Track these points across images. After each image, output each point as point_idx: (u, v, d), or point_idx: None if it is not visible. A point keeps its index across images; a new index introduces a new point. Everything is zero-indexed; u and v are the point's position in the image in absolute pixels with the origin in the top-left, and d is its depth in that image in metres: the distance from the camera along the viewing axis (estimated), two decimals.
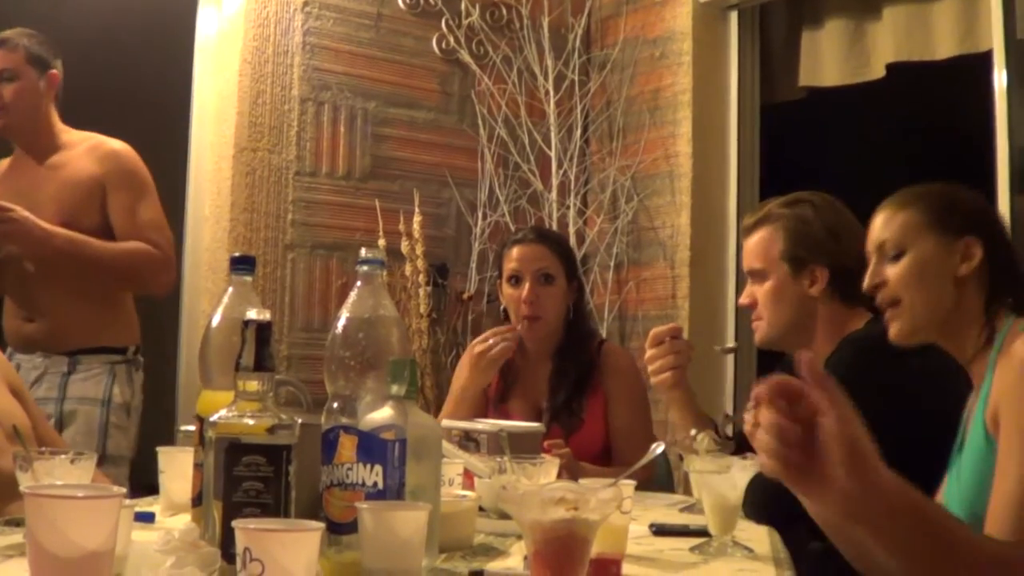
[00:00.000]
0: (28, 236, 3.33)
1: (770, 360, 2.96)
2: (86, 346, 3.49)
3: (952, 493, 1.96)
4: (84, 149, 3.63)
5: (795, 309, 2.68)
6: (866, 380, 2.03)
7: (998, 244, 2.04)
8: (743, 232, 2.82)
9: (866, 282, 2.16)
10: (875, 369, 2.34)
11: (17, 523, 1.94)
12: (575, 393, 3.24)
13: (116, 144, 3.66)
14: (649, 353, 2.87)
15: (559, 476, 2.26)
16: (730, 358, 4.58)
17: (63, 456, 1.85)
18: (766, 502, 2.16)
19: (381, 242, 4.43)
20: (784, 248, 2.69)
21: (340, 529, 1.61)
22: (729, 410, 4.28)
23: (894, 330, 2.10)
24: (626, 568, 1.77)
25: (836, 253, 2.64)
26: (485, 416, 3.29)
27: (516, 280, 3.29)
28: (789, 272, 2.68)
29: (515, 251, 3.31)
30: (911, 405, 2.29)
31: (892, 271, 2.11)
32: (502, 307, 3.42)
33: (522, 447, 2.43)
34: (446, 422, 2.85)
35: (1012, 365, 1.81)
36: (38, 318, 3.47)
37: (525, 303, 3.25)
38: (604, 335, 4.70)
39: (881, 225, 2.15)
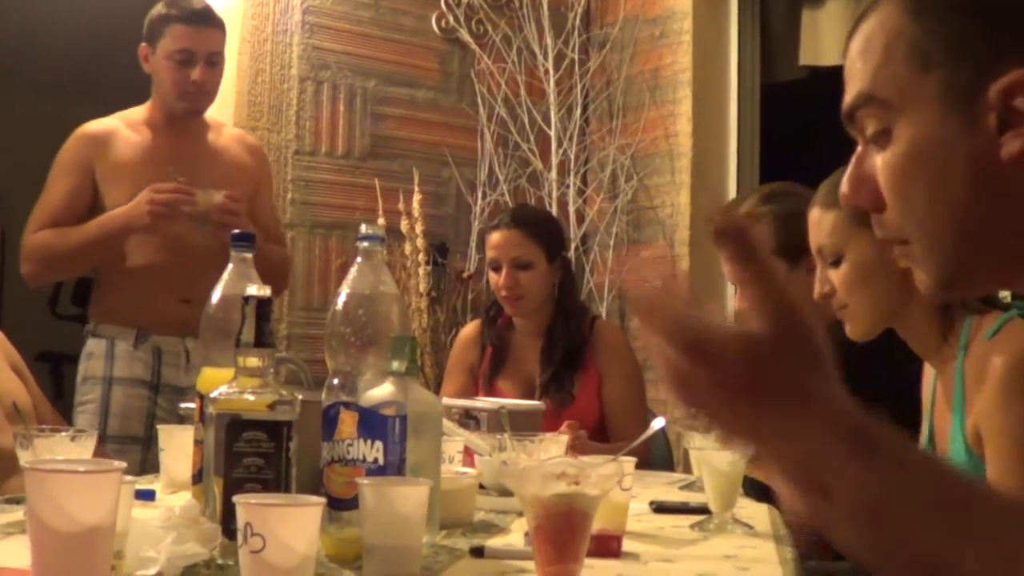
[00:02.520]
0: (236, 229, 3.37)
1: None
2: None
3: None
4: (232, 138, 3.66)
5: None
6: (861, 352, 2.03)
7: None
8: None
9: (815, 291, 2.14)
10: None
11: (17, 501, 1.95)
12: (565, 369, 3.27)
13: (253, 139, 3.77)
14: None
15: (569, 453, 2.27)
16: None
17: (63, 434, 1.85)
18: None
19: (381, 221, 4.41)
20: (775, 244, 2.67)
21: (341, 505, 1.61)
22: None
23: (849, 331, 2.08)
24: (627, 544, 1.77)
25: None
26: (474, 395, 3.31)
27: (495, 267, 3.34)
28: (786, 267, 2.67)
29: (492, 238, 3.39)
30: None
31: (835, 277, 2.10)
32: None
33: (522, 425, 2.43)
34: (446, 400, 2.85)
35: (991, 385, 1.79)
36: (196, 301, 3.46)
37: (502, 288, 3.30)
38: (604, 314, 4.70)
39: (814, 229, 2.15)
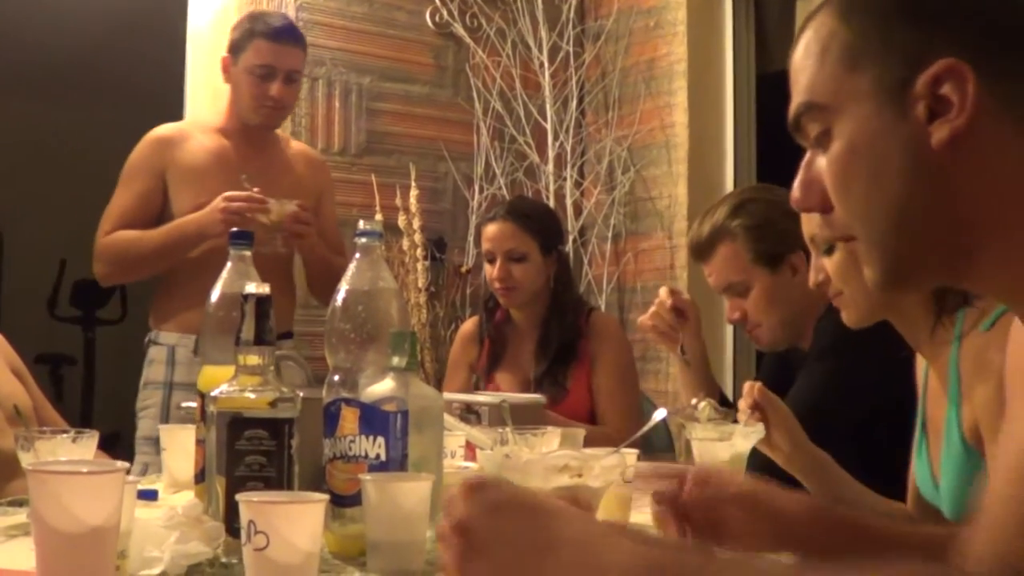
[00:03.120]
0: (310, 240, 3.44)
1: None
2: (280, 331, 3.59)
3: (924, 479, 1.93)
4: (298, 151, 3.74)
5: (790, 304, 2.67)
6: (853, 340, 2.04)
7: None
8: (696, 256, 2.80)
9: (811, 279, 2.16)
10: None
11: (20, 503, 1.95)
12: (559, 362, 3.26)
13: (316, 153, 3.86)
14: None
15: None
16: (729, 335, 4.57)
17: (65, 435, 1.85)
18: (768, 469, 2.16)
19: (378, 217, 4.41)
20: (753, 254, 2.67)
21: (343, 502, 1.61)
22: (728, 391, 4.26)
23: (845, 318, 2.09)
24: None
25: (800, 233, 2.63)
26: (473, 389, 3.32)
27: (490, 258, 3.35)
28: (768, 273, 2.67)
29: (487, 230, 3.39)
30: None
31: (829, 265, 2.11)
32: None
33: (523, 418, 2.43)
34: (447, 395, 2.86)
35: (987, 380, 1.79)
36: None
37: (496, 280, 3.31)
38: (603, 307, 4.70)
39: (807, 219, 2.17)
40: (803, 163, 1.17)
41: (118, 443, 3.43)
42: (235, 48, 3.47)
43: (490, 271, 3.37)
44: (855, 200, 1.11)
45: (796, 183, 1.17)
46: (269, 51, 3.41)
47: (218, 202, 3.27)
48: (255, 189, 3.31)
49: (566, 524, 1.01)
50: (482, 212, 4.78)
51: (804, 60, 1.15)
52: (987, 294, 1.12)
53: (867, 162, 1.09)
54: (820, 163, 1.14)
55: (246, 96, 3.45)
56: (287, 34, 3.47)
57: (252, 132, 3.52)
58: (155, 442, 3.30)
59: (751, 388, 2.10)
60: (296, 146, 3.78)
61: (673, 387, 4.43)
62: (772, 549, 1.40)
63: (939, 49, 1.03)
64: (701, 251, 2.73)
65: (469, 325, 3.60)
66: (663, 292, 2.91)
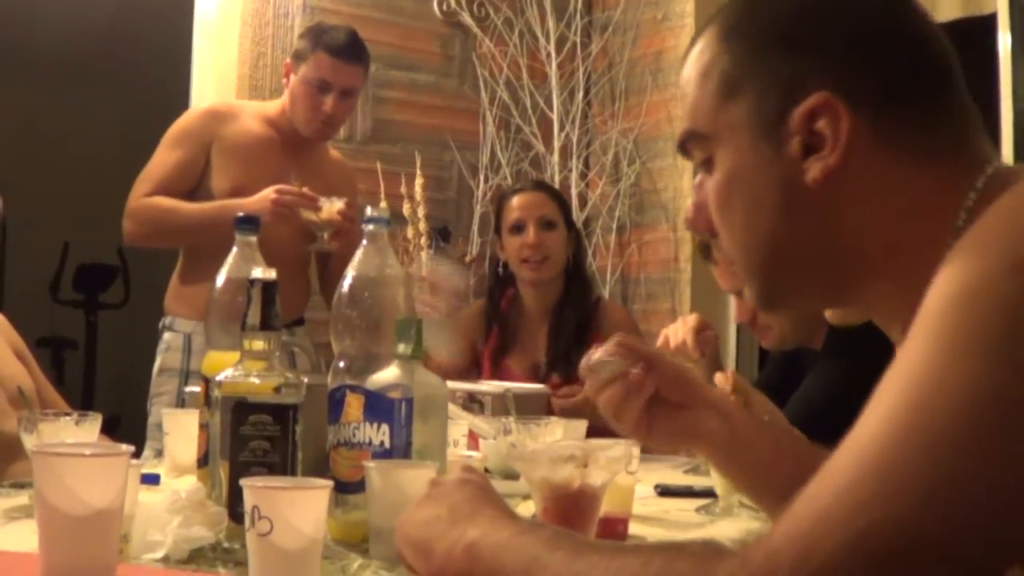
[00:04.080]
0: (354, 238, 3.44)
1: None
2: (294, 318, 3.64)
3: None
4: (335, 158, 3.78)
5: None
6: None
7: None
8: (705, 256, 2.79)
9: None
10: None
11: (22, 485, 1.95)
12: (574, 344, 3.26)
13: (348, 163, 3.91)
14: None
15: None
16: (732, 334, 4.56)
17: (68, 418, 1.84)
18: None
19: (383, 204, 4.40)
20: None
21: (347, 488, 1.60)
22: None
23: (765, 344, 2.14)
24: (633, 528, 1.77)
25: None
26: (482, 375, 3.32)
27: (519, 228, 3.35)
28: None
29: (515, 200, 3.40)
30: None
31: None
32: (500, 262, 3.45)
33: (527, 408, 2.43)
34: (450, 384, 2.85)
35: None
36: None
37: (530, 247, 3.30)
38: (606, 298, 4.70)
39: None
40: (694, 185, 1.17)
41: (119, 427, 3.42)
42: (298, 56, 3.49)
43: (518, 242, 3.36)
44: (732, 230, 1.11)
45: (689, 204, 1.18)
46: (329, 66, 3.42)
47: (269, 192, 3.28)
48: (305, 188, 3.34)
49: (497, 511, 1.07)
50: (487, 203, 4.78)
51: (687, 85, 1.14)
52: (874, 318, 1.12)
53: (742, 195, 1.09)
54: (708, 186, 1.13)
55: (300, 106, 3.47)
56: (350, 51, 3.47)
57: (297, 132, 3.54)
58: None
59: (726, 376, 2.11)
60: (334, 153, 3.82)
61: None
62: (731, 463, 1.43)
63: (813, 81, 1.02)
64: (709, 252, 2.72)
65: (475, 306, 3.59)
66: (692, 320, 2.84)
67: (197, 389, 1.91)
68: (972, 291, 0.82)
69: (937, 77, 1.03)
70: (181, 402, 3.33)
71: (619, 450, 1.36)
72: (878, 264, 1.04)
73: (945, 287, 0.83)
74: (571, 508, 1.34)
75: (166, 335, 3.50)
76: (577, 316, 3.30)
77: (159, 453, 3.07)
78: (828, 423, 2.15)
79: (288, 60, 3.55)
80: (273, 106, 3.63)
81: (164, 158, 3.44)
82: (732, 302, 2.79)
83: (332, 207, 3.35)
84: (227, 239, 3.18)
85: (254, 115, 3.56)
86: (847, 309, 2.04)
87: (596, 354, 1.43)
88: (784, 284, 1.11)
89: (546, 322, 3.37)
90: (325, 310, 4.27)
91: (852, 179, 1.02)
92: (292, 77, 3.49)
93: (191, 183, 3.44)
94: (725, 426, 1.39)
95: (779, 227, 1.07)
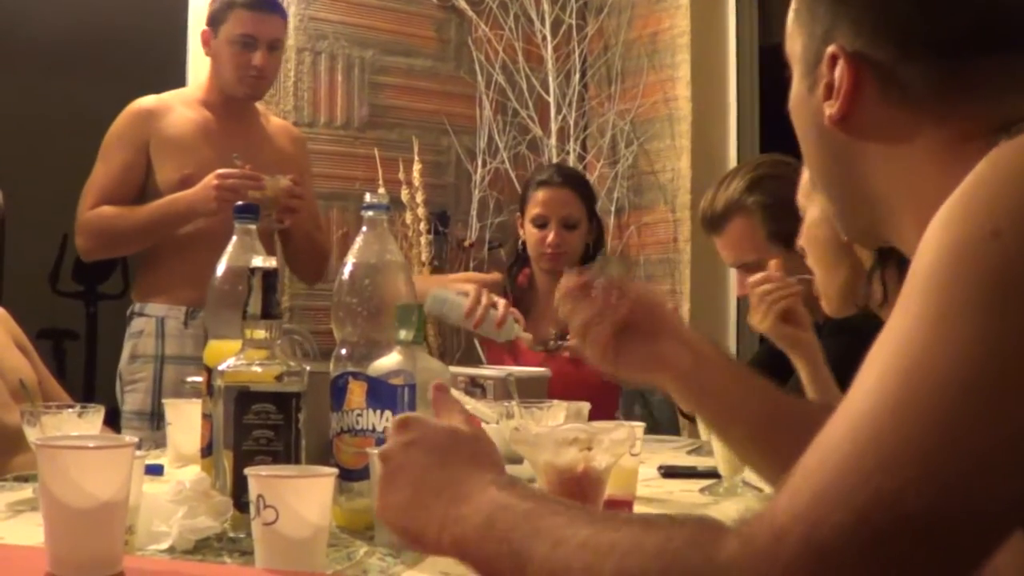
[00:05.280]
0: (302, 215, 3.45)
1: None
2: None
3: None
4: (278, 126, 3.72)
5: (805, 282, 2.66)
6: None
7: None
8: (709, 228, 2.78)
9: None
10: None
11: (25, 479, 1.94)
12: None
13: (294, 128, 3.84)
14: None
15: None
16: (732, 316, 4.56)
17: (70, 410, 1.84)
18: None
19: (381, 190, 4.39)
20: (768, 232, 2.66)
21: (351, 476, 1.60)
22: None
23: (824, 307, 2.17)
24: (637, 509, 1.77)
25: None
26: (491, 350, 3.34)
27: (541, 223, 3.35)
28: (783, 251, 2.65)
29: (541, 194, 3.40)
30: None
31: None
32: (520, 242, 3.47)
33: (529, 391, 2.43)
34: (452, 368, 2.85)
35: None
36: None
37: (550, 247, 3.31)
38: None
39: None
40: None
41: (119, 418, 3.41)
42: (214, 20, 3.44)
43: (538, 235, 3.38)
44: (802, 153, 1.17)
45: None
46: (250, 20, 3.39)
47: (210, 179, 3.23)
48: (247, 166, 3.28)
49: (464, 471, 1.07)
50: (485, 186, 4.77)
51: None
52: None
53: (796, 123, 1.15)
54: None
55: (228, 67, 3.42)
56: (266, 3, 3.45)
57: (234, 105, 3.49)
58: (148, 416, 3.30)
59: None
60: (276, 120, 3.77)
61: None
62: (697, 396, 1.47)
63: (841, 31, 1.06)
64: (714, 224, 2.72)
65: (492, 280, 3.58)
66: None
67: (199, 379, 1.91)
68: (955, 257, 0.82)
69: (966, 37, 1.03)
70: (158, 389, 3.31)
71: (622, 432, 1.36)
72: (905, 213, 1.06)
73: (928, 255, 0.84)
74: (576, 491, 1.34)
75: (136, 321, 3.46)
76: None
77: (140, 444, 3.06)
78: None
79: (204, 29, 3.47)
80: (198, 87, 3.58)
81: (103, 167, 3.41)
82: (733, 276, 2.78)
83: (277, 184, 3.30)
84: (183, 233, 3.16)
85: (183, 102, 3.51)
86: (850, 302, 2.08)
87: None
88: (837, 210, 1.17)
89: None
90: (316, 298, 4.29)
91: (864, 129, 1.06)
92: (213, 43, 3.44)
93: (136, 186, 3.39)
94: (692, 358, 1.41)
95: (818, 159, 1.14)
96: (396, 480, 1.11)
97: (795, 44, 1.13)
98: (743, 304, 4.43)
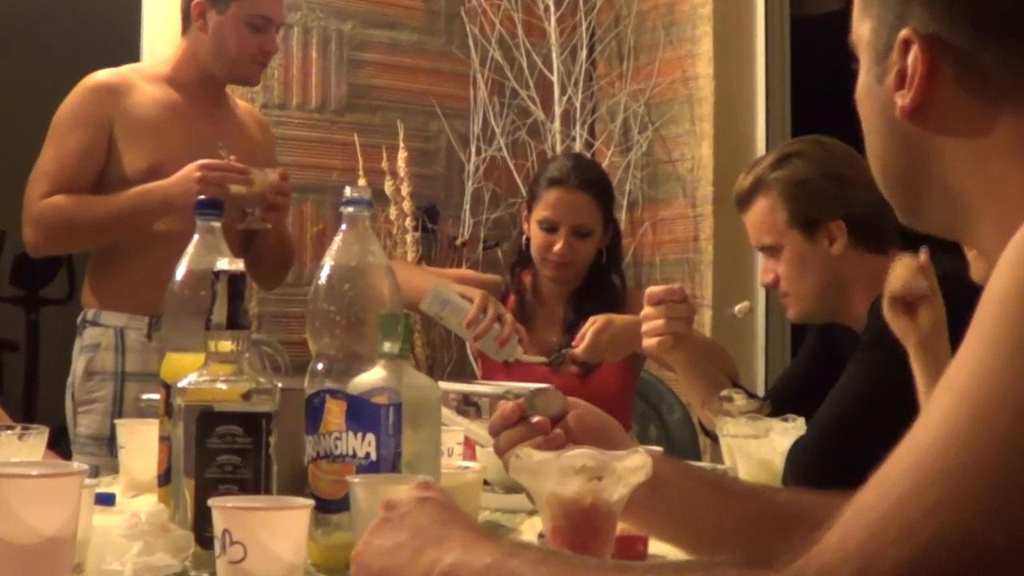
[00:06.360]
0: (287, 214, 3.48)
1: (803, 324, 2.96)
2: None
3: None
4: (246, 111, 3.71)
5: (822, 275, 2.67)
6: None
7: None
8: (737, 207, 2.81)
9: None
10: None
11: None
12: None
13: (259, 113, 3.85)
14: (644, 311, 2.86)
15: None
16: (760, 323, 4.57)
17: (9, 432, 1.84)
18: (814, 469, 2.15)
19: (362, 182, 4.40)
20: (788, 214, 2.68)
21: (329, 507, 1.60)
22: (758, 390, 4.24)
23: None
24: (653, 546, 1.77)
25: (845, 200, 2.63)
26: (487, 363, 3.33)
27: (550, 228, 3.32)
28: (803, 238, 2.67)
29: (553, 196, 3.33)
30: None
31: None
32: (524, 237, 3.45)
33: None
34: (442, 384, 2.85)
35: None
36: None
37: (556, 254, 3.29)
38: (632, 285, 4.70)
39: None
40: None
41: (65, 440, 3.40)
42: None
43: (544, 240, 3.34)
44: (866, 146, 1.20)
45: None
46: (267, 2, 3.40)
47: (191, 170, 3.19)
48: (232, 157, 3.25)
49: (475, 535, 1.10)
50: (479, 177, 4.77)
51: None
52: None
53: (863, 114, 1.17)
54: None
55: (233, 48, 3.38)
56: None
57: (210, 86, 3.47)
58: (105, 441, 3.26)
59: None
60: (243, 104, 3.75)
61: None
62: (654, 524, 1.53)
63: (914, 14, 1.07)
64: (741, 202, 2.75)
65: (492, 282, 3.58)
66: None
67: (156, 396, 1.91)
68: None
69: None
70: (118, 410, 3.29)
71: (637, 459, 1.36)
72: (985, 214, 1.07)
73: (1004, 278, 0.85)
74: (584, 526, 1.34)
75: (90, 331, 3.40)
76: (596, 305, 3.29)
77: (96, 471, 3.05)
78: (868, 420, 2.17)
79: (199, 1, 3.40)
80: (163, 63, 3.54)
81: (59, 150, 3.33)
82: (760, 261, 2.80)
83: (265, 178, 3.27)
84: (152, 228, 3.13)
85: (147, 79, 3.45)
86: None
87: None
88: (903, 204, 1.19)
89: (561, 310, 3.39)
90: (289, 304, 4.30)
91: (939, 121, 1.07)
92: (214, 19, 3.38)
93: (94, 173, 3.33)
94: (646, 488, 1.41)
95: (885, 152, 1.16)
96: (394, 525, 1.14)
97: (863, 28, 1.14)
98: (773, 311, 4.44)
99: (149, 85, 3.42)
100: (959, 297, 1.96)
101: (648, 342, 2.80)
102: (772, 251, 2.70)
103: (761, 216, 2.70)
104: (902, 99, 1.07)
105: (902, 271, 2.14)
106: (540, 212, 3.34)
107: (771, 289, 2.79)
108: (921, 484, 0.80)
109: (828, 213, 2.62)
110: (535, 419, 1.51)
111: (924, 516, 0.78)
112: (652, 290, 2.82)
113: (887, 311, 2.19)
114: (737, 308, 3.09)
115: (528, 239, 3.42)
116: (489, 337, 3.02)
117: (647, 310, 2.81)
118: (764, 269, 2.75)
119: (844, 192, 2.62)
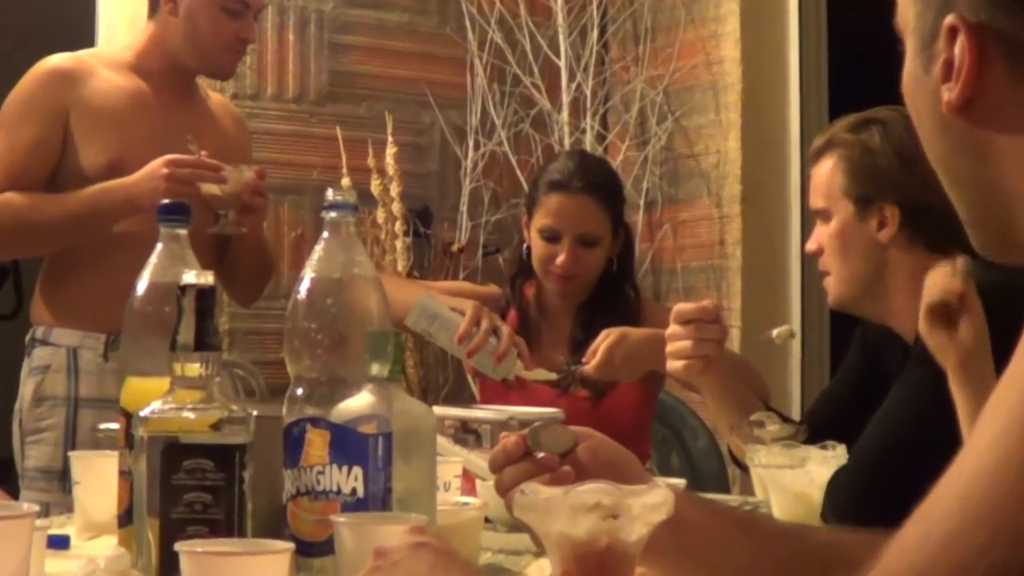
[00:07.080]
0: (263, 216, 3.46)
1: (844, 338, 2.96)
2: None
3: None
4: (218, 103, 3.71)
5: (864, 260, 2.67)
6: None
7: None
8: (809, 161, 2.83)
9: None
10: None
11: None
12: None
13: (234, 107, 3.85)
14: (671, 329, 2.85)
15: None
16: (797, 308, 4.57)
17: None
18: (857, 504, 2.15)
19: (345, 181, 4.41)
20: (846, 183, 2.68)
21: (310, 550, 1.61)
22: (793, 413, 4.24)
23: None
24: None
25: (908, 187, 2.62)
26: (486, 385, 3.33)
27: (551, 237, 3.31)
28: (854, 213, 2.67)
29: (554, 201, 3.32)
30: None
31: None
32: (525, 245, 3.44)
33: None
34: (438, 410, 2.86)
35: None
36: None
37: (559, 266, 3.28)
38: (647, 296, 4.71)
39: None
40: None
41: (12, 474, 3.40)
42: None
43: (547, 250, 3.32)
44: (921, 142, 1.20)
45: None
46: None
47: (158, 167, 3.16)
48: (203, 153, 3.23)
49: None
50: (477, 175, 4.78)
51: None
52: None
53: (911, 106, 1.17)
54: None
55: (206, 34, 3.38)
56: None
57: (179, 75, 3.46)
58: (57, 475, 3.26)
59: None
60: (215, 96, 3.76)
61: None
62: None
63: (961, 1, 1.06)
64: (812, 155, 2.78)
65: (490, 295, 3.57)
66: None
67: (115, 426, 1.91)
68: None
69: None
70: (71, 440, 3.28)
71: (657, 495, 1.36)
72: None
73: None
74: (598, 570, 1.34)
75: (39, 351, 3.39)
76: (606, 319, 3.29)
77: (47, 509, 3.05)
78: (916, 445, 2.18)
79: None
80: (126, 49, 3.54)
81: (7, 142, 3.32)
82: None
83: (240, 177, 3.24)
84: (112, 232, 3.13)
85: (107, 66, 3.44)
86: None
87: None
88: (965, 215, 1.17)
89: (568, 324, 3.39)
90: (264, 320, 4.30)
91: (989, 116, 1.06)
92: (187, 2, 3.37)
93: (48, 167, 3.32)
94: (669, 530, 1.41)
95: (937, 152, 1.17)
96: (386, 574, 1.18)
97: (908, 12, 1.13)
98: (809, 323, 4.44)
99: (111, 73, 3.40)
100: (1004, 309, 1.98)
101: (674, 365, 2.79)
102: (824, 216, 2.71)
103: (821, 176, 2.72)
104: (949, 92, 1.06)
105: (940, 278, 2.15)
106: (540, 220, 3.33)
107: (813, 257, 2.80)
108: (969, 520, 0.79)
109: (885, 194, 2.62)
110: (540, 455, 1.50)
111: (974, 556, 0.78)
112: (681, 307, 2.81)
113: (923, 325, 2.20)
114: (775, 332, 3.04)
115: (529, 248, 3.42)
116: (484, 352, 3.01)
117: (674, 328, 2.80)
118: (813, 236, 2.77)
119: (909, 176, 2.61)
